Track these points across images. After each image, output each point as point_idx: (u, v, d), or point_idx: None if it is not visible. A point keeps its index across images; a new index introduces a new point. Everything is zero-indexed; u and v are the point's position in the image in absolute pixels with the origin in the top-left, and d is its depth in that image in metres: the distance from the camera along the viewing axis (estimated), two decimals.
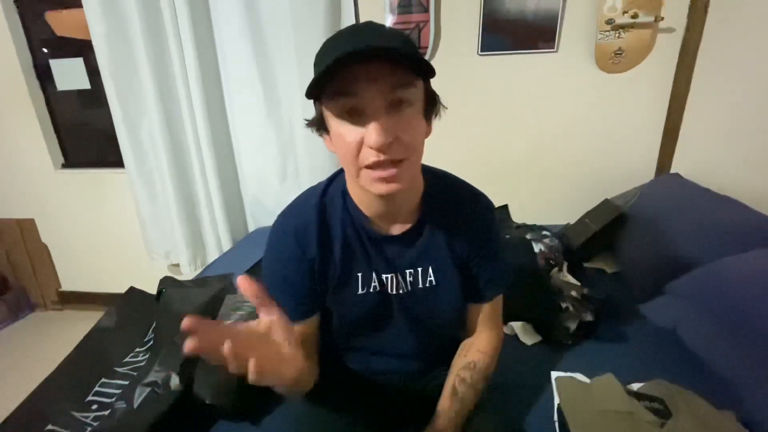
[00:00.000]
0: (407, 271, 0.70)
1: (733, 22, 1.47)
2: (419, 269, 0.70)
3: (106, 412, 0.91)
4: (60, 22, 1.95)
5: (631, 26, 1.50)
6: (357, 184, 0.60)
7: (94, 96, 2.01)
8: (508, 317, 1.13)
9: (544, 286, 1.16)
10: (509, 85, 1.70)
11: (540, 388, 0.94)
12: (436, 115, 0.63)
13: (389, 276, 0.69)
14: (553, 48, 1.61)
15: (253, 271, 1.39)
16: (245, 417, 0.90)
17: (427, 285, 0.70)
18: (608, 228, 1.45)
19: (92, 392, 0.97)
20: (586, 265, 1.49)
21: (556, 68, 1.64)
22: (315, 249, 0.66)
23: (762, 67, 1.49)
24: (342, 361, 0.82)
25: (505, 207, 1.68)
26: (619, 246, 1.46)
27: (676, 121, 1.60)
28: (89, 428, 0.87)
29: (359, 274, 0.69)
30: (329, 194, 0.70)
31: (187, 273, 2.01)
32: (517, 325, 1.14)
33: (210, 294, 1.19)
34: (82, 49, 1.94)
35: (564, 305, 1.10)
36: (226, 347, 0.40)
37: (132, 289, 1.28)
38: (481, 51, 1.66)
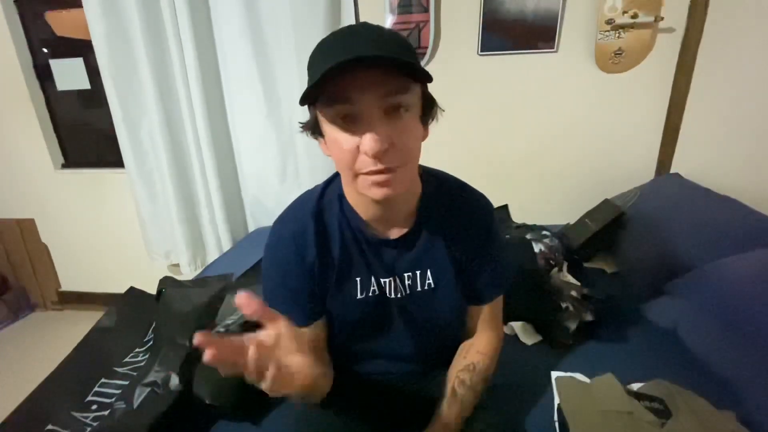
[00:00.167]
0: (406, 275, 0.69)
1: (733, 22, 1.47)
2: (418, 272, 0.69)
3: (106, 412, 0.91)
4: (60, 22, 1.95)
5: (631, 26, 1.50)
6: (353, 188, 0.60)
7: (94, 96, 2.01)
8: (508, 317, 1.13)
9: (544, 286, 1.16)
10: (509, 85, 1.70)
11: (540, 388, 0.94)
12: (433, 119, 0.62)
13: (388, 280, 0.69)
14: (553, 48, 1.61)
15: (252, 271, 1.39)
16: (245, 417, 0.90)
17: (426, 288, 0.70)
18: (608, 228, 1.45)
19: (92, 392, 0.97)
20: (586, 265, 1.49)
21: (556, 68, 1.64)
22: (314, 254, 0.66)
23: (762, 67, 1.49)
24: (341, 363, 0.82)
25: (505, 207, 1.67)
26: (619, 246, 1.46)
27: (676, 121, 1.60)
28: (89, 428, 0.87)
29: (358, 279, 0.68)
30: (326, 198, 0.69)
31: (187, 273, 2.01)
32: (517, 325, 1.14)
33: (210, 294, 1.19)
34: (82, 49, 1.94)
35: (564, 305, 1.10)
36: (251, 353, 0.41)
37: (132, 289, 1.28)
38: (481, 51, 1.66)
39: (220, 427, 0.89)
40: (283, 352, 0.47)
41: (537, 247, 1.29)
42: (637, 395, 0.85)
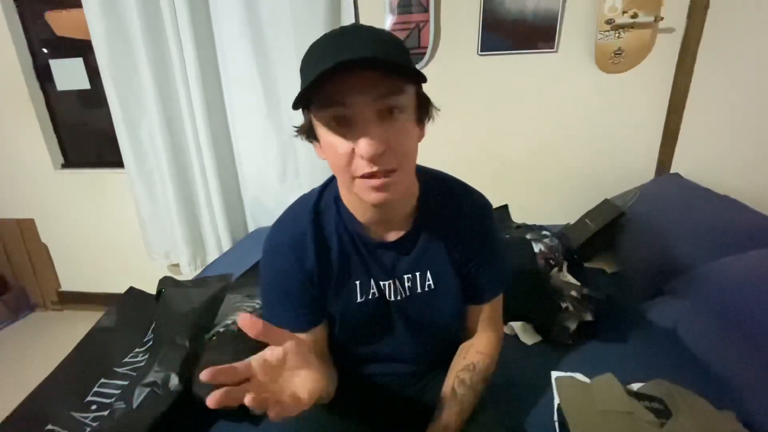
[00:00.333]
0: (405, 277, 0.69)
1: (733, 22, 1.47)
2: (417, 274, 0.69)
3: (106, 413, 0.90)
4: (60, 22, 1.95)
5: (631, 26, 1.50)
6: (350, 192, 0.59)
7: (94, 96, 2.01)
8: (508, 317, 1.13)
9: (544, 286, 1.16)
10: (509, 85, 1.69)
11: (540, 388, 0.93)
12: (429, 119, 0.62)
13: (387, 283, 0.69)
14: (553, 48, 1.61)
15: (252, 271, 1.39)
16: (245, 417, 0.90)
17: (426, 289, 0.70)
18: (608, 228, 1.45)
19: (91, 392, 0.97)
20: (586, 265, 1.49)
21: (556, 68, 1.64)
22: (312, 259, 0.66)
23: (762, 67, 1.49)
24: (343, 366, 0.82)
25: (505, 207, 1.67)
26: (619, 246, 1.46)
27: (676, 121, 1.60)
28: (88, 428, 0.87)
29: (357, 282, 0.68)
30: (323, 202, 0.69)
31: (187, 273, 2.01)
32: (517, 325, 1.14)
33: (210, 294, 1.19)
34: (82, 49, 1.94)
35: (564, 305, 1.10)
36: (248, 400, 0.39)
37: (132, 289, 1.28)
38: (481, 51, 1.65)
39: (220, 427, 0.89)
40: (289, 371, 0.46)
41: (537, 247, 1.29)
42: (637, 395, 0.85)
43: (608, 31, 1.53)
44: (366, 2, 1.67)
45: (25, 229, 2.31)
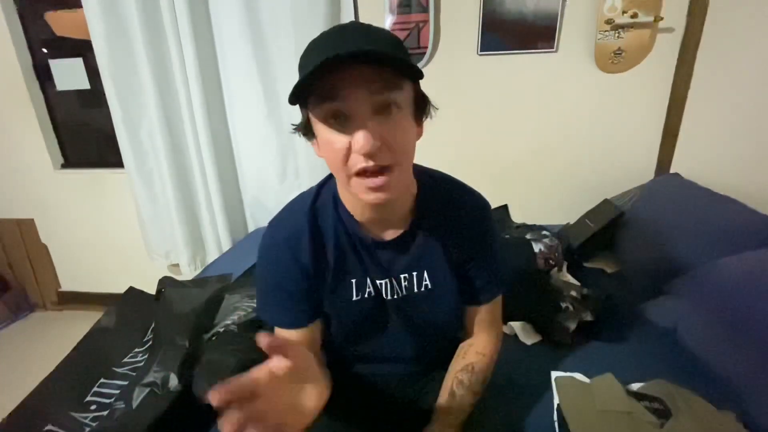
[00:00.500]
0: (402, 276, 0.69)
1: (733, 22, 1.46)
2: (414, 274, 0.69)
3: (105, 413, 0.91)
4: (59, 22, 1.95)
5: (631, 26, 1.50)
6: (347, 190, 0.59)
7: (94, 96, 2.01)
8: (508, 317, 1.13)
9: (544, 286, 1.16)
10: (509, 85, 1.69)
11: (540, 387, 0.93)
12: (426, 117, 0.61)
13: (384, 281, 0.69)
14: (553, 48, 1.60)
15: (252, 272, 1.39)
16: None
17: (423, 289, 0.70)
18: (608, 228, 1.45)
19: (91, 392, 0.97)
20: (586, 265, 1.49)
21: (555, 68, 1.63)
22: (308, 256, 0.65)
23: (762, 67, 1.49)
24: (341, 365, 0.82)
25: (505, 207, 1.67)
26: (619, 246, 1.46)
27: (676, 121, 1.60)
28: (88, 428, 0.87)
29: (353, 281, 0.68)
30: (320, 200, 0.69)
31: (187, 273, 2.01)
32: (517, 325, 1.14)
33: (209, 294, 1.19)
34: (82, 49, 1.94)
35: (564, 305, 1.10)
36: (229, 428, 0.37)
37: (131, 289, 1.28)
38: (481, 51, 1.65)
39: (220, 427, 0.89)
40: (295, 385, 0.45)
41: (537, 247, 1.29)
42: (637, 395, 0.85)
43: (608, 31, 1.52)
44: (366, 2, 1.67)
45: (25, 229, 2.30)
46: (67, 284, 2.44)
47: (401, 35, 1.64)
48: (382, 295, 0.69)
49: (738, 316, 0.92)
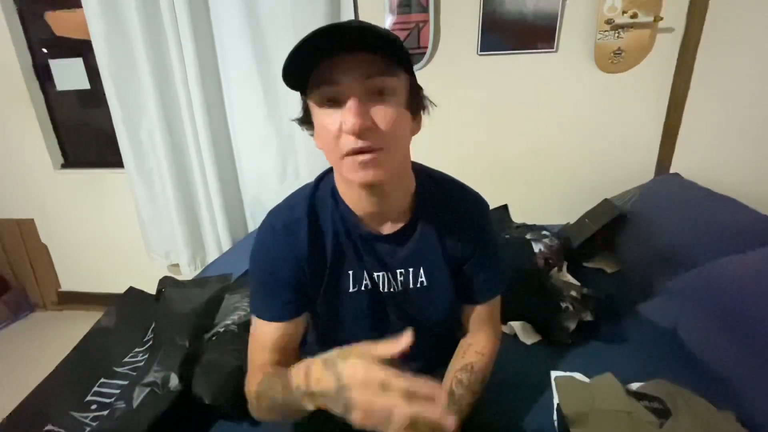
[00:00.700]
0: (398, 271, 0.69)
1: (733, 22, 1.47)
2: (410, 269, 0.69)
3: (105, 412, 0.90)
4: (59, 22, 1.95)
5: (631, 26, 1.50)
6: (344, 180, 0.60)
7: (94, 96, 2.01)
8: (507, 317, 1.14)
9: (544, 286, 1.16)
10: (509, 85, 1.70)
11: (539, 387, 0.93)
12: (423, 111, 0.62)
13: (381, 274, 0.69)
14: (553, 48, 1.61)
15: (249, 278, 1.38)
16: (245, 417, 0.89)
17: (419, 286, 0.70)
18: (608, 228, 1.45)
19: (91, 392, 0.97)
20: (586, 265, 1.49)
21: (555, 68, 1.64)
22: (305, 246, 0.66)
23: (762, 67, 1.49)
24: None
25: (505, 207, 1.67)
26: (619, 246, 1.46)
27: (676, 121, 1.60)
28: (88, 428, 0.87)
29: (350, 272, 0.68)
30: (319, 192, 0.69)
31: (187, 273, 2.01)
32: (516, 325, 1.14)
33: (210, 294, 1.19)
34: (82, 49, 1.94)
35: (564, 305, 1.10)
36: None
37: (131, 289, 1.28)
38: (481, 51, 1.66)
39: (220, 427, 0.89)
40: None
41: (537, 247, 1.30)
42: (637, 395, 0.85)
43: (608, 31, 1.53)
44: (366, 2, 1.67)
45: (25, 229, 2.30)
46: (67, 284, 2.44)
47: (401, 35, 1.64)
48: (378, 287, 0.69)
49: (738, 316, 0.92)
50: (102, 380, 1.00)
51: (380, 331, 0.73)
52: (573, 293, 1.14)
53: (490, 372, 0.75)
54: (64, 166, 2.20)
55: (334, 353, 0.48)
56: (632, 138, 1.68)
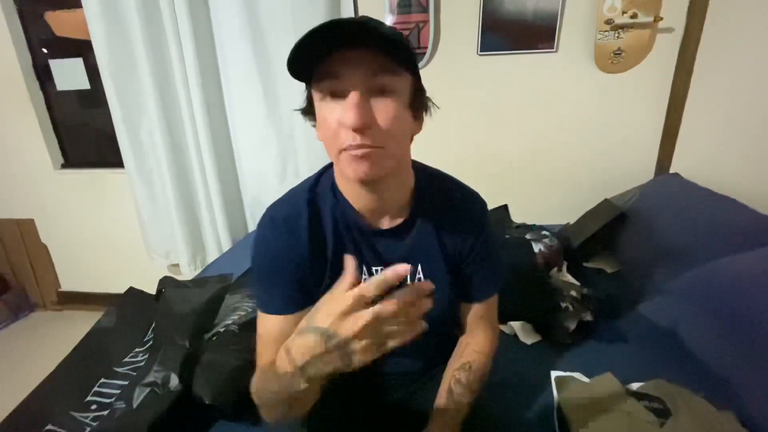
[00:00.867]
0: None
1: (733, 22, 1.47)
2: (408, 266, 0.70)
3: (106, 412, 0.91)
4: (59, 22, 1.95)
5: (631, 26, 1.51)
6: (339, 169, 0.60)
7: (94, 96, 2.01)
8: (508, 317, 1.14)
9: (544, 286, 1.16)
10: (509, 85, 1.70)
11: (539, 387, 0.94)
12: (425, 112, 0.63)
13: (379, 269, 0.69)
14: (553, 48, 1.61)
15: (252, 272, 1.38)
16: (245, 417, 0.90)
17: (415, 282, 0.70)
18: (608, 228, 1.45)
19: (91, 392, 0.97)
20: (586, 265, 1.49)
21: (555, 68, 1.64)
22: (306, 240, 0.66)
23: (762, 67, 1.49)
24: None
25: (505, 207, 1.67)
26: (619, 246, 1.46)
27: (676, 121, 1.60)
28: (88, 428, 0.87)
29: None
30: (319, 187, 0.70)
31: (187, 273, 2.01)
32: (516, 325, 1.14)
33: (210, 294, 1.19)
34: (82, 49, 1.94)
35: (564, 305, 1.10)
36: None
37: (131, 289, 1.28)
38: (481, 51, 1.66)
39: (220, 427, 0.89)
40: None
41: (537, 247, 1.30)
42: (637, 395, 0.85)
43: (608, 31, 1.53)
44: (366, 2, 1.67)
45: (25, 229, 2.30)
46: (67, 284, 2.44)
47: None
48: None
49: (738, 316, 0.92)
50: (102, 380, 1.00)
51: None
52: (573, 293, 1.14)
53: (488, 370, 0.76)
54: (64, 166, 2.20)
55: (302, 321, 0.49)
56: (632, 138, 1.68)
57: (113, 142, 1.92)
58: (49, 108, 2.12)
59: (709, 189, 1.35)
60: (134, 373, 1.00)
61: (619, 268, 1.44)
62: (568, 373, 0.95)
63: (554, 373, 0.96)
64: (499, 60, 1.66)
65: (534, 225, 1.52)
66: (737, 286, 0.95)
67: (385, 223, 0.68)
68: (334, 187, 0.68)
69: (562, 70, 1.63)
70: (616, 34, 1.53)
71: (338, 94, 0.54)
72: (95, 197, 2.18)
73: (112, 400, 0.94)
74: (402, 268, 0.43)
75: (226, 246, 1.97)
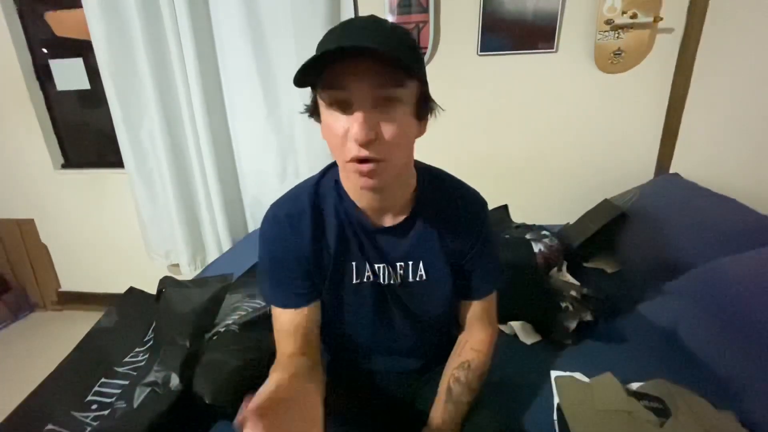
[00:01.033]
0: (398, 264, 0.70)
1: (732, 23, 1.47)
2: (410, 263, 0.70)
3: (106, 412, 0.91)
4: (59, 22, 1.95)
5: (631, 26, 1.51)
6: (345, 173, 0.61)
7: (94, 96, 2.01)
8: (507, 317, 1.14)
9: (544, 285, 1.16)
10: (509, 86, 1.70)
11: (539, 387, 0.94)
12: (430, 116, 0.63)
13: (381, 266, 0.70)
14: (553, 48, 1.61)
15: (253, 271, 1.39)
16: None
17: (418, 279, 0.71)
18: (608, 228, 1.45)
19: (92, 392, 0.97)
20: (586, 265, 1.49)
21: (555, 68, 1.64)
22: (309, 236, 0.67)
23: (762, 67, 1.49)
24: (342, 363, 0.82)
25: (505, 207, 1.68)
26: (619, 246, 1.46)
27: (675, 121, 1.60)
28: (89, 428, 0.87)
29: (353, 263, 0.69)
30: (323, 185, 0.70)
31: (187, 273, 2.01)
32: (516, 325, 1.14)
33: (210, 294, 1.19)
34: (82, 49, 1.94)
35: (564, 305, 1.11)
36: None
37: (132, 289, 1.28)
38: (481, 51, 1.66)
39: (220, 427, 0.89)
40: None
41: (537, 247, 1.30)
42: (637, 394, 0.85)
43: (608, 31, 1.53)
44: (366, 2, 1.67)
45: (25, 229, 2.30)
46: (67, 284, 2.44)
47: None
48: (379, 279, 0.70)
49: (738, 316, 0.92)
50: (103, 380, 1.00)
51: (381, 324, 0.74)
52: (573, 293, 1.14)
53: (487, 369, 0.76)
54: (64, 166, 2.20)
55: None
56: (632, 138, 1.68)
57: (113, 142, 1.92)
58: (49, 108, 2.12)
59: (709, 189, 1.35)
60: (135, 373, 1.00)
61: (619, 268, 1.44)
62: (568, 373, 0.95)
63: (554, 373, 0.96)
64: (499, 60, 1.66)
65: (534, 225, 1.52)
66: (737, 286, 0.95)
67: (388, 221, 0.69)
68: (337, 185, 0.69)
69: (562, 70, 1.64)
70: (616, 35, 1.53)
71: (344, 105, 0.54)
72: (95, 197, 2.18)
73: (113, 399, 0.94)
74: None
75: (226, 246, 1.97)
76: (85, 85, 2.02)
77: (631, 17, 1.48)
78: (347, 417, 0.76)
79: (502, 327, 1.14)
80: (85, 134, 2.19)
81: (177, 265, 2.09)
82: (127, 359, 1.06)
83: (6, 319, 2.32)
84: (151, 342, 1.09)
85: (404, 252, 0.70)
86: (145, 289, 1.30)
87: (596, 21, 1.53)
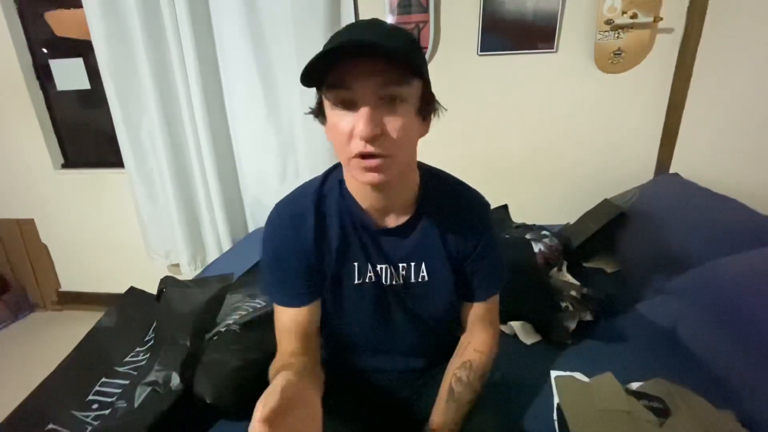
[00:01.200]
0: (400, 265, 0.70)
1: (732, 23, 1.47)
2: (412, 264, 0.71)
3: (107, 412, 0.91)
4: (60, 22, 1.95)
5: (631, 26, 1.51)
6: (349, 172, 0.62)
7: (94, 96, 2.01)
8: (507, 317, 1.14)
9: (544, 285, 1.17)
10: (509, 85, 1.70)
11: (539, 387, 0.94)
12: (433, 115, 0.63)
13: (384, 266, 0.70)
14: (553, 48, 1.61)
15: (253, 271, 1.39)
16: (245, 417, 0.89)
17: (420, 280, 0.71)
18: (608, 228, 1.45)
19: (93, 392, 0.97)
20: (586, 264, 1.49)
21: (555, 68, 1.64)
22: (311, 236, 0.67)
23: (761, 67, 1.50)
24: (342, 362, 0.83)
25: (505, 207, 1.68)
26: (619, 246, 1.46)
27: (675, 121, 1.61)
28: (90, 428, 0.87)
29: (355, 264, 0.70)
30: (326, 185, 0.71)
31: (187, 273, 2.01)
32: (516, 325, 1.14)
33: (210, 294, 1.19)
34: (82, 49, 1.94)
35: (564, 305, 1.11)
36: None
37: (132, 289, 1.28)
38: (481, 51, 1.66)
39: (221, 426, 0.89)
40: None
41: (537, 247, 1.30)
42: (637, 394, 0.85)
43: (608, 31, 1.53)
44: (366, 2, 1.67)
45: (25, 229, 2.30)
46: (67, 284, 2.44)
47: None
48: (381, 280, 0.70)
49: (738, 316, 0.92)
50: (103, 380, 1.00)
51: (382, 325, 0.74)
52: (573, 293, 1.15)
53: (489, 370, 0.76)
54: (64, 166, 2.20)
55: None
56: (632, 138, 1.68)
57: (113, 142, 1.92)
58: (49, 108, 2.12)
59: (709, 189, 1.35)
60: (135, 373, 1.00)
61: (619, 268, 1.44)
62: (568, 373, 0.95)
63: (554, 373, 0.96)
64: (499, 60, 1.66)
65: (534, 225, 1.52)
66: (737, 286, 0.95)
67: (391, 222, 0.69)
68: (341, 186, 0.70)
69: (562, 70, 1.64)
70: (616, 35, 1.53)
71: (349, 104, 0.55)
72: (95, 197, 2.18)
73: (114, 399, 0.94)
74: None
75: (226, 246, 1.97)
76: (85, 85, 2.02)
77: (631, 17, 1.48)
78: (347, 416, 0.76)
79: (502, 327, 1.14)
80: (85, 134, 2.19)
81: (177, 265, 2.09)
82: (127, 359, 1.07)
83: (6, 319, 2.32)
84: (152, 342, 1.09)
85: (407, 253, 0.70)
86: (146, 289, 1.30)
87: (596, 21, 1.53)
